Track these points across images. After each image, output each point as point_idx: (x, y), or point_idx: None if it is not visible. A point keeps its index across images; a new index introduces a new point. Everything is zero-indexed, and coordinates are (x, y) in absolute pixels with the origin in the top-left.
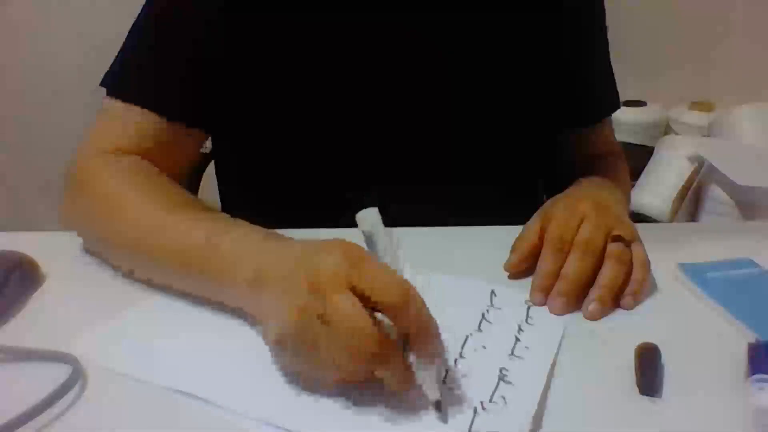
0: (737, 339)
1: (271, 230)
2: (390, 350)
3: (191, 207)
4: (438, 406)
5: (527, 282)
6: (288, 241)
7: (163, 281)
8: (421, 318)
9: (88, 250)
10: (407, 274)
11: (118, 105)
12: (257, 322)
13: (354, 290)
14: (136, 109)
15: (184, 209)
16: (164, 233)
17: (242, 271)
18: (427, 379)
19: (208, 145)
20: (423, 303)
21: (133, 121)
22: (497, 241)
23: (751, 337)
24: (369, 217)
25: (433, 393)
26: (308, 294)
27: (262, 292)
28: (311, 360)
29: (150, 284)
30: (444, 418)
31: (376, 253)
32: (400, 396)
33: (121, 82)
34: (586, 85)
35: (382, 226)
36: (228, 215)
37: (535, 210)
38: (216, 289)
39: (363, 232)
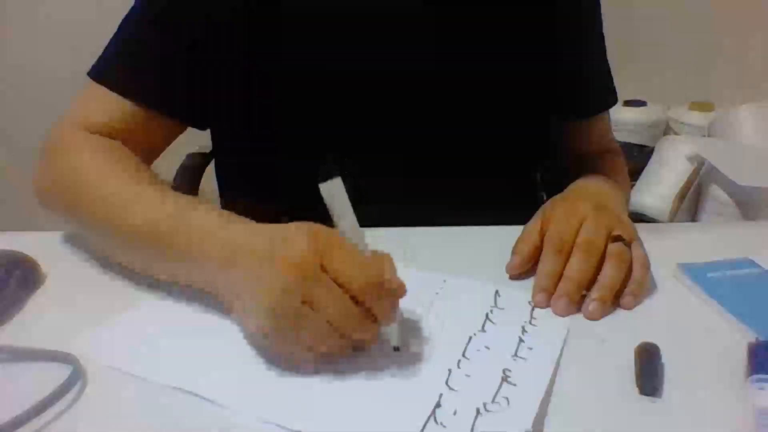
0: (737, 339)
1: (232, 214)
2: (367, 321)
3: (160, 184)
4: (397, 349)
5: (531, 282)
6: (251, 221)
7: (131, 258)
8: (385, 300)
9: (73, 235)
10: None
11: (95, 87)
12: (228, 302)
13: (326, 272)
14: (110, 92)
15: (154, 186)
16: (135, 205)
17: (213, 247)
18: (389, 332)
19: (209, 144)
20: (384, 284)
21: (107, 103)
22: (501, 240)
23: (751, 337)
24: (331, 188)
25: (394, 341)
26: (287, 277)
27: (234, 271)
28: (293, 340)
29: (116, 260)
30: (401, 350)
31: (339, 224)
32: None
33: (100, 67)
34: (580, 78)
35: (344, 196)
36: (192, 196)
37: (533, 205)
38: (185, 265)
39: (326, 203)
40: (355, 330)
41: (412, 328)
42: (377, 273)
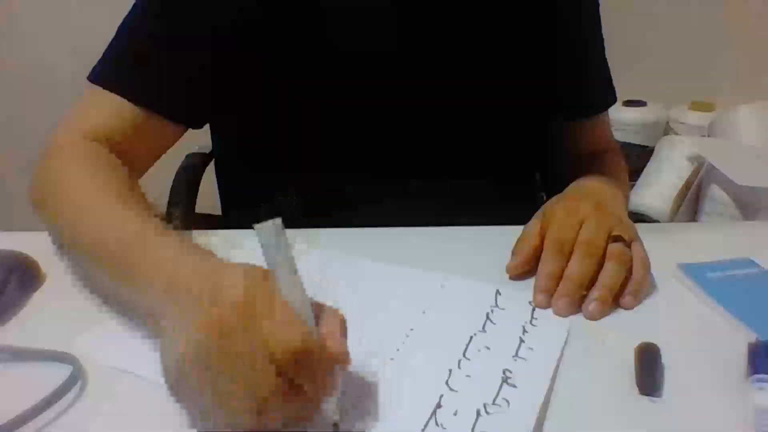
0: (737, 339)
1: (196, 245)
2: (293, 397)
3: (135, 204)
4: (336, 427)
5: (532, 282)
6: (211, 256)
7: (91, 272)
8: (318, 372)
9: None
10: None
11: (94, 91)
12: (163, 333)
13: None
14: (113, 95)
15: (128, 203)
16: (101, 222)
17: (158, 277)
18: (325, 405)
19: (209, 144)
20: (315, 353)
21: (106, 106)
22: (501, 241)
23: (751, 337)
24: (266, 231)
25: (333, 416)
26: (199, 333)
27: (174, 303)
28: (215, 390)
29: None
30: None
31: (275, 274)
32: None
33: (100, 70)
34: (580, 77)
35: (281, 241)
36: (162, 221)
37: (533, 205)
38: (134, 287)
39: (262, 248)
40: (272, 406)
41: (412, 328)
42: (308, 339)
